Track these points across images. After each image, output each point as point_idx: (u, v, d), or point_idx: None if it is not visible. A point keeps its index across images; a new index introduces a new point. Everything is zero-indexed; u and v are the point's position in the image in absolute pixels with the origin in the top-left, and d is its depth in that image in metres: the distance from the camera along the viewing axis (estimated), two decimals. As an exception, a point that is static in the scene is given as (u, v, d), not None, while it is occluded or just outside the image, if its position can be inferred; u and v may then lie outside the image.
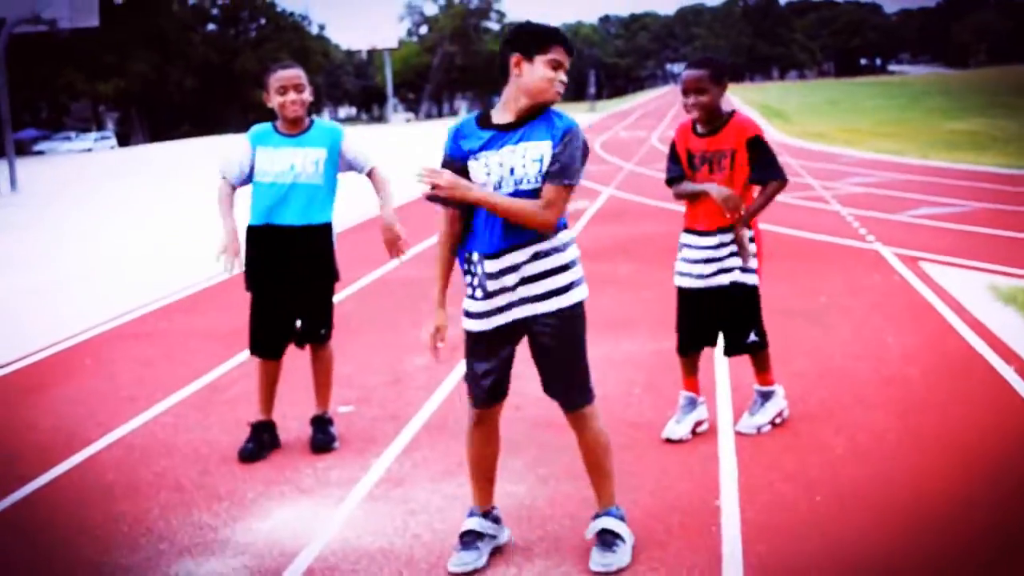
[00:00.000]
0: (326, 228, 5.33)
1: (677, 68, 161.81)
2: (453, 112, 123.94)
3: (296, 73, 5.17)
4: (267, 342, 5.35)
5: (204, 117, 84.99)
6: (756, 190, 5.13)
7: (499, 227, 3.77)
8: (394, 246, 5.33)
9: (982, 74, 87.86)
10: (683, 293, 5.27)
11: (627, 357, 6.80)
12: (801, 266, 9.76)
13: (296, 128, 5.23)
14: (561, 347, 4.01)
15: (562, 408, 4.12)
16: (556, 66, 3.77)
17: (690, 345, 5.30)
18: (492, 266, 3.82)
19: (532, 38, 3.80)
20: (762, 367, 5.33)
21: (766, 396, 5.33)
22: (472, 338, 4.06)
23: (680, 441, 5.20)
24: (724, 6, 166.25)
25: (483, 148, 3.81)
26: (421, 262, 5.35)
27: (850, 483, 4.57)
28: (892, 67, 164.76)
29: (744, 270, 5.16)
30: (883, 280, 8.95)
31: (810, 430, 5.25)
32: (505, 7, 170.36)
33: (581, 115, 57.78)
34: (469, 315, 4.01)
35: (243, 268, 5.28)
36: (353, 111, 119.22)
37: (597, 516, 4.08)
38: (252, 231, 5.28)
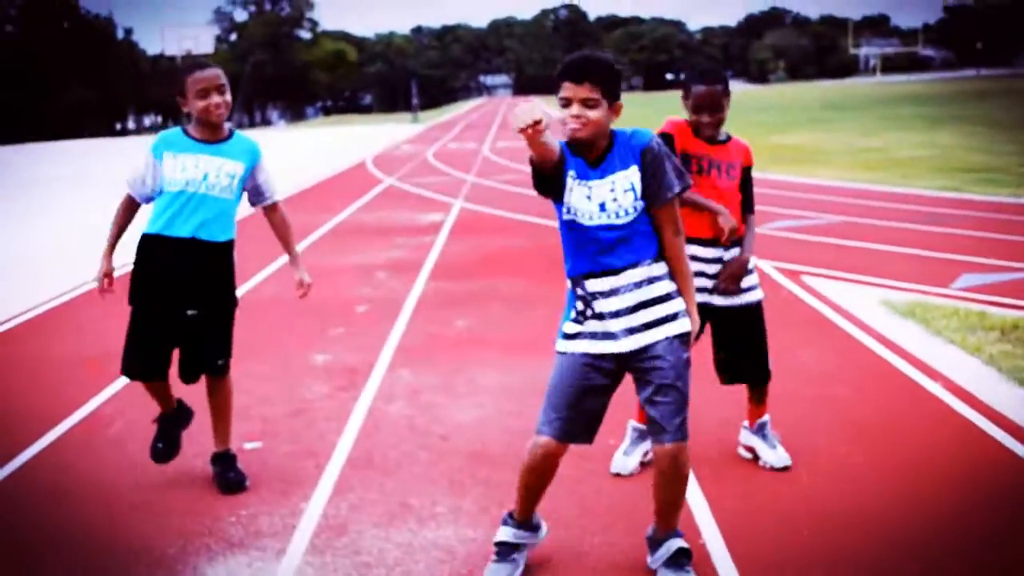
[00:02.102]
0: (229, 247, 4.82)
1: (490, 80, 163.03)
2: (266, 122, 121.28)
3: (217, 73, 4.63)
4: (147, 363, 4.76)
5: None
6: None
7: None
8: (308, 291, 5.10)
9: (783, 90, 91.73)
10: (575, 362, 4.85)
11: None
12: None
13: (215, 135, 4.69)
14: (679, 375, 3.72)
15: (665, 441, 3.70)
16: (565, 104, 3.55)
17: None
18: (600, 285, 3.69)
19: (555, 80, 3.62)
20: (764, 397, 4.99)
21: (766, 424, 4.98)
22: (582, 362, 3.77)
23: (629, 475, 4.88)
24: (535, 20, 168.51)
25: (580, 175, 3.68)
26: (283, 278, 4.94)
27: (828, 513, 4.35)
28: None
29: (753, 287, 4.83)
30: (772, 295, 8.87)
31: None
32: (318, 15, 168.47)
33: (404, 126, 57.37)
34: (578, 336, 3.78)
35: (131, 278, 4.73)
36: (159, 119, 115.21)
37: (668, 536, 3.85)
38: (148, 240, 4.69)
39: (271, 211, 5.00)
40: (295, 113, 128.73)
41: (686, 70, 4.73)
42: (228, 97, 4.65)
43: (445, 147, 35.76)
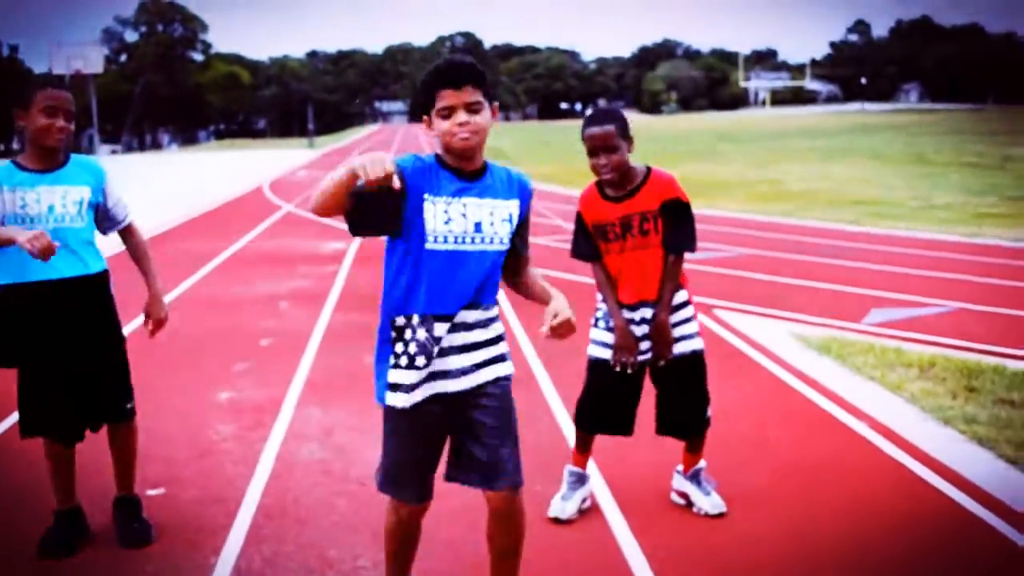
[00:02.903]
0: (103, 277, 4.42)
1: (386, 106, 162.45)
2: (156, 145, 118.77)
3: (70, 97, 4.25)
4: (65, 423, 4.36)
5: None
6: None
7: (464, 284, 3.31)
8: (161, 327, 4.64)
9: (676, 120, 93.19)
10: (599, 367, 4.66)
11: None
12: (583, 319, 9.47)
13: (50, 163, 4.29)
14: (507, 419, 3.46)
15: (496, 489, 3.46)
16: (447, 114, 3.21)
17: (600, 425, 4.72)
18: (442, 329, 3.30)
19: (421, 96, 3.26)
20: (701, 445, 4.78)
21: (701, 471, 4.80)
22: (404, 417, 3.43)
23: (568, 521, 4.66)
24: (431, 46, 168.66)
25: (449, 193, 3.29)
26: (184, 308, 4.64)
27: (771, 562, 4.19)
28: (589, 112, 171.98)
29: (688, 336, 4.61)
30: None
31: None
32: (211, 37, 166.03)
33: (299, 151, 56.67)
34: (399, 388, 3.38)
35: None
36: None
37: None
38: (6, 292, 4.25)
39: (127, 234, 4.63)
40: (187, 137, 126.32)
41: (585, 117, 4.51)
42: (71, 126, 4.26)
43: (343, 173, 35.31)
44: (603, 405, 4.69)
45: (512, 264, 3.47)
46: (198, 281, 11.92)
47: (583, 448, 4.79)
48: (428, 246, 3.25)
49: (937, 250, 13.44)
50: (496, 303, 3.43)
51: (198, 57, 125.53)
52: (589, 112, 4.57)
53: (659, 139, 53.75)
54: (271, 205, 22.21)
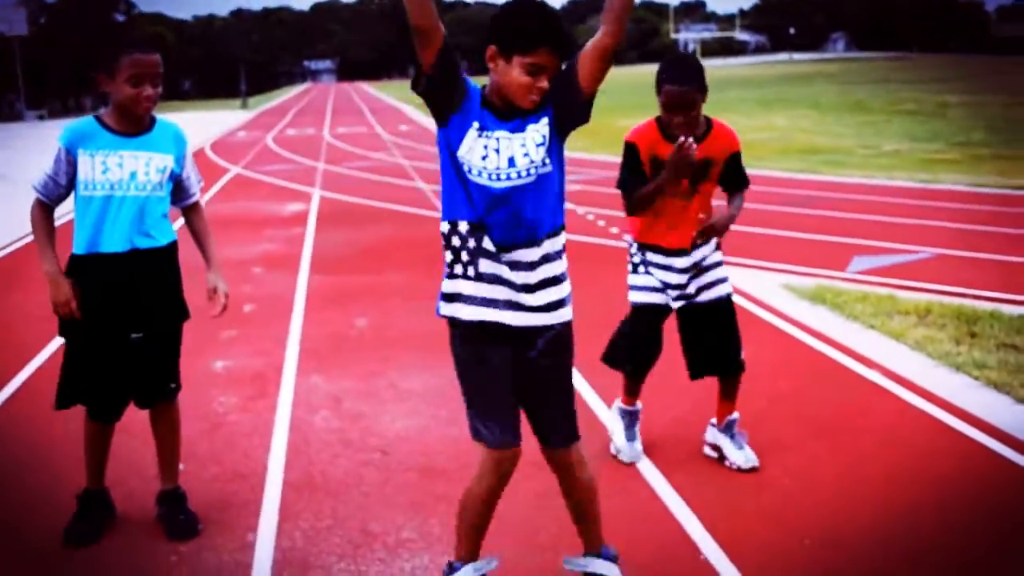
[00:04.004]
0: (172, 251, 4.23)
1: (315, 65, 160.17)
2: (80, 109, 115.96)
3: (159, 60, 3.98)
4: (108, 402, 4.18)
5: None
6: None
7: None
8: (225, 310, 4.41)
9: (610, 74, 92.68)
10: (656, 310, 4.68)
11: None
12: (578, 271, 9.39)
13: (138, 127, 4.05)
14: (562, 369, 3.41)
15: (555, 445, 3.44)
16: (536, 71, 3.10)
17: (650, 362, 4.80)
18: (491, 244, 3.23)
19: (515, 33, 3.09)
20: (734, 393, 4.79)
21: (735, 423, 4.79)
22: (465, 336, 3.38)
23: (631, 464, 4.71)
24: (359, 3, 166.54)
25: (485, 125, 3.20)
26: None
27: (819, 519, 4.14)
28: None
29: (721, 280, 4.66)
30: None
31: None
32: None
33: (233, 112, 55.60)
34: (448, 298, 3.36)
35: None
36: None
37: (587, 556, 3.60)
38: (78, 261, 4.04)
39: (192, 211, 4.42)
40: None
41: (662, 62, 4.44)
42: (159, 91, 4.03)
43: (283, 133, 34.74)
44: (654, 350, 4.76)
45: None
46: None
47: (634, 391, 4.87)
48: (467, 175, 3.21)
49: (901, 197, 13.51)
50: (556, 235, 3.30)
51: (120, 18, 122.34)
52: (667, 60, 4.49)
53: (606, 92, 53.48)
54: (218, 167, 21.73)
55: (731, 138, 4.57)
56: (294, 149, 26.68)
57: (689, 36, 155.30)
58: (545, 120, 3.21)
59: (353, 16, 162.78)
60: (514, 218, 3.19)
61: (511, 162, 3.17)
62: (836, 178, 15.80)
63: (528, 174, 3.18)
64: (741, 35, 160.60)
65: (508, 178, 3.17)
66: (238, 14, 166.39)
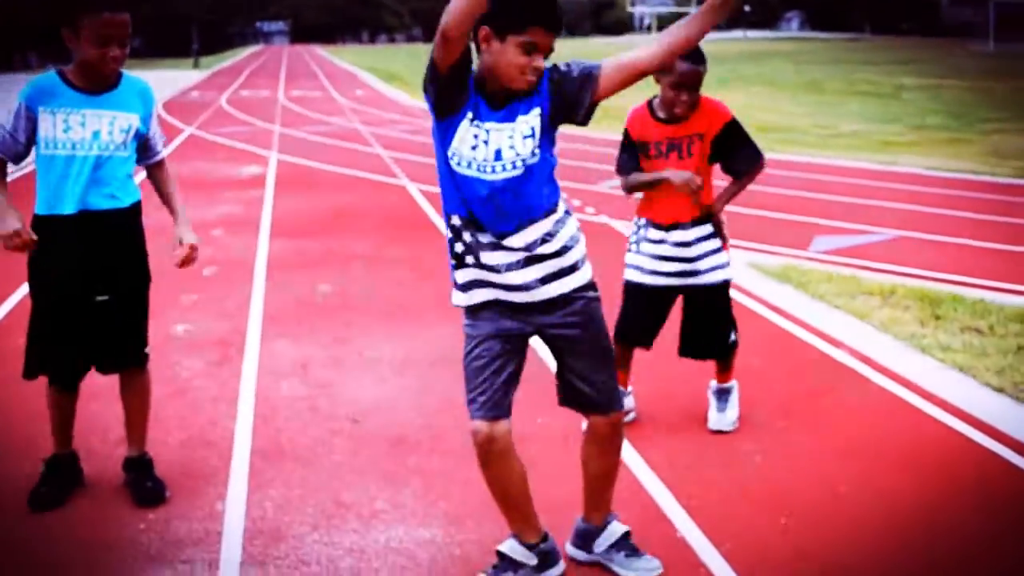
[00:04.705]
0: (136, 211, 4.13)
1: (267, 27, 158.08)
2: (27, 67, 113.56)
3: (127, 19, 3.83)
4: (67, 367, 4.08)
5: None
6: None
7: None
8: (191, 262, 4.28)
9: (561, 45, 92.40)
10: (641, 290, 4.69)
11: (437, 352, 5.98)
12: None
13: (102, 85, 3.93)
14: (588, 344, 3.38)
15: (596, 414, 3.44)
16: (530, 50, 3.06)
17: (639, 340, 4.78)
18: (486, 237, 3.23)
19: (508, 12, 3.04)
20: (729, 365, 4.88)
21: (728, 392, 4.89)
22: (475, 318, 3.36)
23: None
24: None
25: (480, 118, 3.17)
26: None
27: (791, 495, 4.14)
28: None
29: (718, 266, 4.67)
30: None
31: (711, 438, 4.79)
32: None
33: (187, 72, 54.74)
34: (457, 287, 3.36)
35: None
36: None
37: (605, 524, 3.59)
38: (40, 221, 3.93)
39: (157, 169, 4.30)
40: (57, 58, 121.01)
41: None
42: (127, 51, 3.89)
43: (237, 94, 34.28)
44: (645, 325, 4.76)
45: None
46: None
47: (625, 365, 4.83)
48: (455, 168, 3.19)
49: (860, 178, 13.59)
50: (552, 212, 3.27)
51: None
52: None
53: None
54: (173, 127, 21.39)
55: (719, 109, 4.58)
56: (249, 111, 26.33)
57: (645, 10, 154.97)
58: (537, 111, 3.17)
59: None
60: (504, 208, 3.17)
61: (498, 155, 3.15)
62: (794, 157, 15.85)
63: (514, 167, 3.15)
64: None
65: (493, 171, 3.15)
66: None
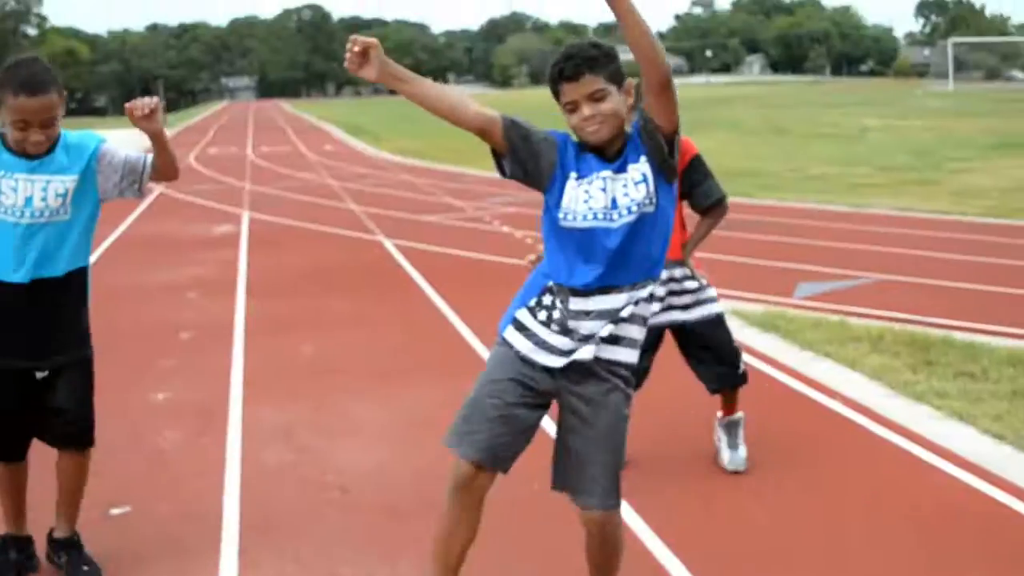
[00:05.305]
0: (79, 277, 3.86)
1: (233, 82, 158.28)
2: None
3: (48, 102, 3.59)
4: (10, 441, 3.88)
5: None
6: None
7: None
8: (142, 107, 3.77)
9: (525, 94, 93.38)
10: None
11: (425, 414, 5.85)
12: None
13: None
14: (614, 419, 3.23)
15: (590, 507, 3.24)
16: (572, 109, 3.09)
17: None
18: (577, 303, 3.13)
19: (550, 87, 3.14)
20: (734, 397, 4.93)
21: (736, 424, 4.93)
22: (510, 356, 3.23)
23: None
24: (277, 19, 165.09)
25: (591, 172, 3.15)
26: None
27: (799, 553, 4.03)
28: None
29: (708, 300, 4.78)
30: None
31: (712, 491, 4.67)
32: (46, 10, 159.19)
33: (151, 129, 54.36)
34: (523, 329, 3.24)
35: None
36: None
37: None
38: None
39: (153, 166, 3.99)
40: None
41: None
42: (55, 131, 3.68)
43: (205, 152, 34.13)
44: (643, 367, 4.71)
45: None
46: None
47: None
48: (577, 224, 3.11)
49: (835, 221, 13.63)
50: (645, 285, 3.18)
51: (32, 31, 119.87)
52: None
53: (513, 113, 53.57)
54: (139, 187, 21.20)
55: (684, 146, 4.39)
56: (218, 168, 26.18)
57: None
58: (644, 159, 3.11)
59: (269, 33, 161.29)
60: (612, 257, 3.08)
61: (614, 203, 3.08)
62: (768, 202, 15.89)
63: (629, 212, 3.07)
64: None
65: (608, 219, 3.07)
66: (154, 29, 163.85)
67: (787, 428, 5.54)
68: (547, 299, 3.18)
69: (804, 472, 4.91)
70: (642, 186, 3.08)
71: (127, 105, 3.73)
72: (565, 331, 3.14)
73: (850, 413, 5.72)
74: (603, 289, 3.10)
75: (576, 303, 3.12)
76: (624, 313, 3.13)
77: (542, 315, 3.18)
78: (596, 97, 3.05)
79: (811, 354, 6.95)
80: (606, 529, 3.26)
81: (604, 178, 3.09)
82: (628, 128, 3.14)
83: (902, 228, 12.84)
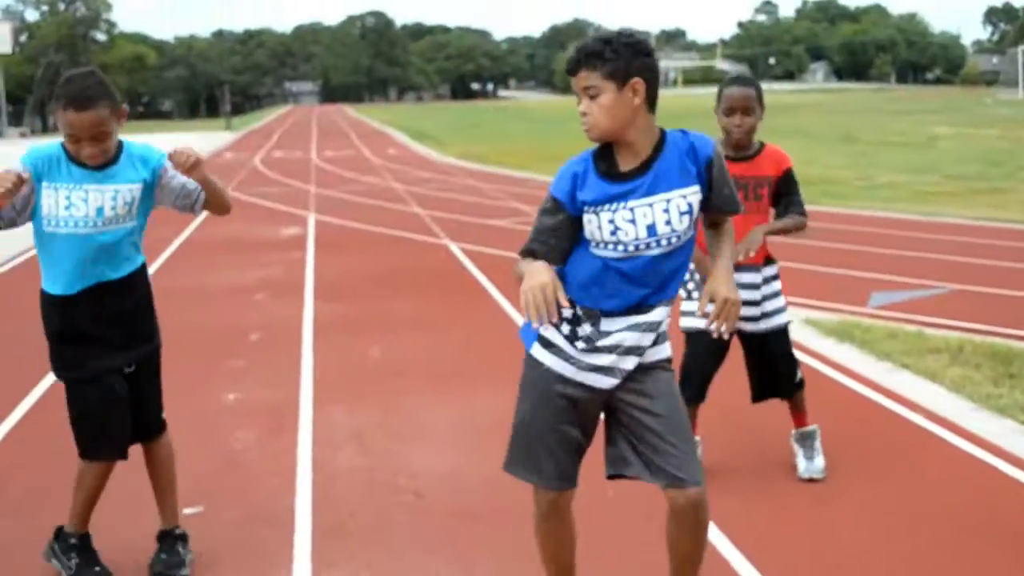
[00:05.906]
0: (143, 273, 3.96)
1: (296, 87, 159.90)
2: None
3: (96, 118, 3.58)
4: (119, 439, 3.91)
5: None
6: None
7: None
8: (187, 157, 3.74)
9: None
10: (703, 337, 4.47)
11: (494, 419, 5.78)
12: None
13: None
14: (675, 400, 3.17)
15: (677, 487, 3.11)
16: (579, 101, 3.01)
17: (701, 391, 4.78)
18: (609, 324, 3.07)
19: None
20: (802, 406, 4.90)
21: (811, 436, 4.88)
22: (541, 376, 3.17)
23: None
24: (341, 26, 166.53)
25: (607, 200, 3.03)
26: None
27: (882, 569, 3.91)
28: (502, 92, 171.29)
29: (781, 309, 4.77)
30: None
31: (789, 501, 4.57)
32: (115, 16, 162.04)
33: (217, 134, 55.27)
34: (550, 346, 3.15)
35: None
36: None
37: None
38: (55, 301, 3.78)
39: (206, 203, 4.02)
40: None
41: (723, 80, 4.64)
42: (109, 144, 3.68)
43: (270, 155, 34.47)
44: (696, 374, 4.73)
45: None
46: (157, 271, 11.25)
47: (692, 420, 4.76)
48: (594, 251, 3.07)
49: (906, 229, 13.38)
50: (672, 301, 3.15)
51: (101, 37, 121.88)
52: (730, 76, 4.97)
53: (574, 118, 53.46)
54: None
55: (783, 155, 4.74)
56: (283, 171, 26.42)
57: (670, 64, 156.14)
58: (696, 188, 3.03)
59: (333, 39, 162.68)
60: (651, 280, 3.04)
61: (651, 231, 2.99)
62: (839, 209, 15.65)
63: (669, 243, 3.02)
64: (722, 64, 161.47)
65: (647, 246, 3.00)
66: (219, 35, 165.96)
67: (867, 440, 5.40)
68: (567, 312, 3.08)
69: (884, 485, 4.78)
70: (686, 217, 3.01)
71: (169, 154, 3.76)
72: (596, 349, 3.08)
73: (932, 426, 5.57)
74: (638, 309, 3.06)
75: (607, 324, 3.07)
76: (663, 327, 3.13)
77: (565, 329, 3.10)
78: (590, 94, 2.96)
79: (889, 365, 6.79)
80: (700, 510, 3.13)
81: (631, 208, 2.98)
82: (640, 132, 3.01)
83: (974, 237, 12.57)
